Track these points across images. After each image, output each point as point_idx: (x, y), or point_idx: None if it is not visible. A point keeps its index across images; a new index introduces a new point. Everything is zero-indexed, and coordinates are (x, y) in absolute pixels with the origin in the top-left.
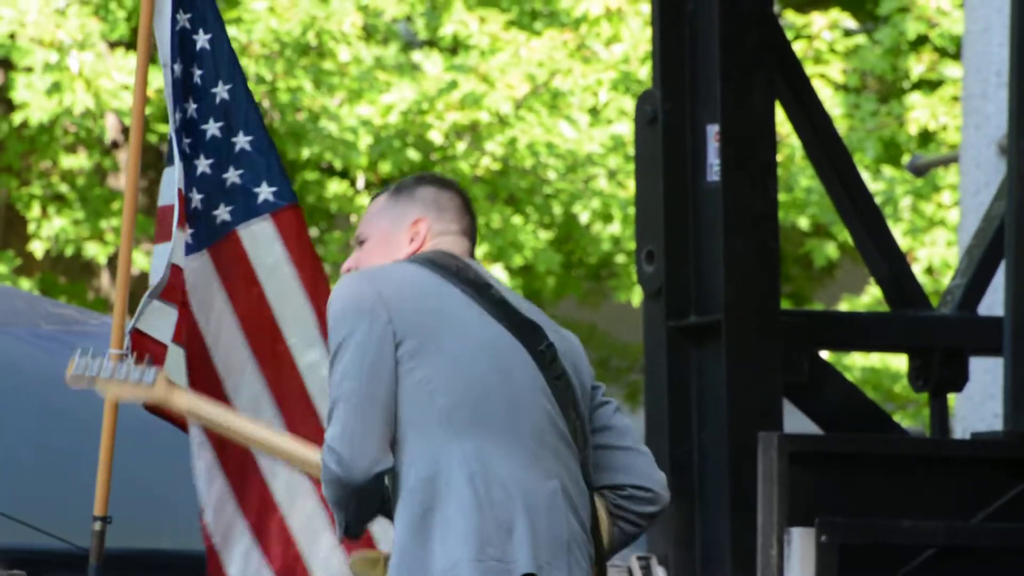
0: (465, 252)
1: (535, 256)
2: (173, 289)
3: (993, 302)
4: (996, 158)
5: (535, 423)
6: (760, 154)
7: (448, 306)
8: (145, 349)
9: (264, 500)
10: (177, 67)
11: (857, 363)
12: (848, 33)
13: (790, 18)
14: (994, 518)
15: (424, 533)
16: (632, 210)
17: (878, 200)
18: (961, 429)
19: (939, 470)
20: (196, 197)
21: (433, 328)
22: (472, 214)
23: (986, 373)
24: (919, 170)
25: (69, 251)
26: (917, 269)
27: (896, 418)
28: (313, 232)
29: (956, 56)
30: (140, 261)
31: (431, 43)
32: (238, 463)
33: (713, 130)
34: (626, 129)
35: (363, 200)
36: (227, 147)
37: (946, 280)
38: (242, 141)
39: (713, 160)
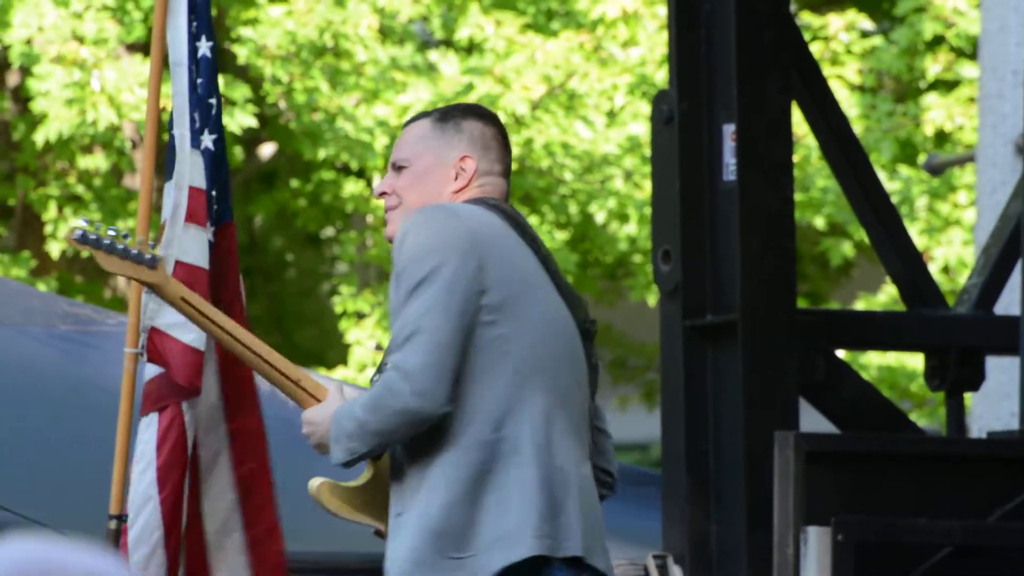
0: (504, 195)
1: None
2: (194, 213)
3: (1010, 301)
4: (1012, 157)
5: (581, 406)
6: (776, 153)
7: (526, 265)
8: (161, 348)
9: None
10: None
11: (873, 362)
12: (865, 35)
13: (806, 19)
14: (1010, 517)
15: (477, 493)
16: (648, 210)
17: (894, 200)
18: (977, 428)
19: (955, 469)
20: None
21: (517, 286)
22: (510, 150)
23: (1002, 372)
24: (935, 169)
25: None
26: (933, 268)
27: (912, 417)
28: (329, 231)
29: (972, 56)
30: None
31: (447, 43)
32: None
33: (729, 130)
34: (642, 130)
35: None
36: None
37: (962, 279)
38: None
39: (729, 160)
